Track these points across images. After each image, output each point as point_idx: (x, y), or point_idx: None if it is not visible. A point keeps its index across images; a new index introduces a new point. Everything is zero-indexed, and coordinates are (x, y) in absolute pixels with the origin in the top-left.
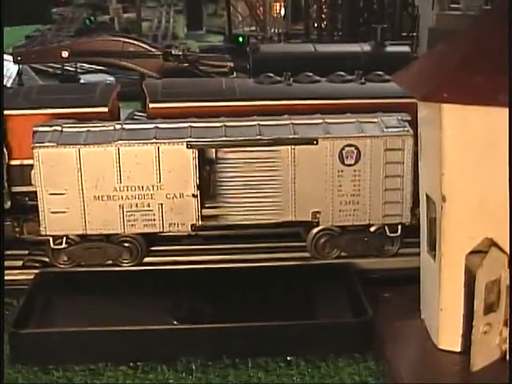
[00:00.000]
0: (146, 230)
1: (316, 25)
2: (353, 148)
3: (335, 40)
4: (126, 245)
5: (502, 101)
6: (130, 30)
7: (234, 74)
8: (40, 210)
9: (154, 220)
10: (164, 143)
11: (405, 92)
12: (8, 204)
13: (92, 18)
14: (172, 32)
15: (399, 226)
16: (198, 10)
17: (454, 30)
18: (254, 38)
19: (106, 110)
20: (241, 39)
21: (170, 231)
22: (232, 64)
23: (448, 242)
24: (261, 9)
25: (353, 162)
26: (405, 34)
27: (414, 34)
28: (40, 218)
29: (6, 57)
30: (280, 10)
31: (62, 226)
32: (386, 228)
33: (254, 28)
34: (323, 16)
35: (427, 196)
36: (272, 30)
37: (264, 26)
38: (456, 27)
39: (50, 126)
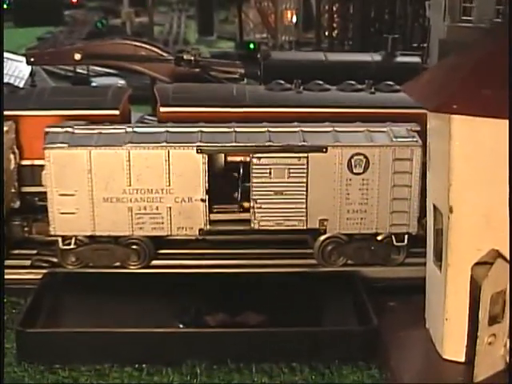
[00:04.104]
0: (154, 233)
1: (327, 33)
2: (361, 157)
3: (346, 49)
4: (134, 247)
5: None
6: (141, 34)
7: (245, 80)
8: (49, 210)
9: (163, 223)
10: (174, 147)
11: (414, 102)
12: (17, 204)
13: (104, 21)
14: (183, 37)
15: (406, 236)
16: (210, 15)
17: (465, 42)
18: (265, 45)
19: (117, 112)
20: (252, 46)
21: (177, 235)
22: (243, 70)
23: (454, 253)
24: (272, 16)
25: (361, 170)
26: (415, 44)
27: (425, 44)
28: (49, 218)
29: (18, 58)
30: (291, 18)
31: (71, 227)
32: (393, 237)
33: (265, 35)
34: (334, 25)
35: (434, 206)
36: (283, 38)
37: (275, 33)
38: (467, 39)
39: (62, 128)
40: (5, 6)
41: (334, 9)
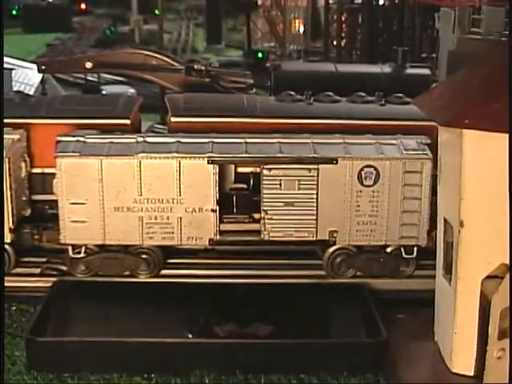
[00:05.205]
0: (164, 243)
1: (335, 43)
2: (372, 169)
3: (354, 58)
4: (144, 256)
5: None
6: (150, 41)
7: (253, 89)
8: (60, 218)
9: (173, 233)
10: (185, 158)
11: (424, 115)
12: (28, 212)
13: (112, 28)
14: (191, 45)
15: (415, 248)
16: (218, 24)
17: (474, 54)
18: (273, 55)
19: (128, 122)
20: (260, 55)
21: (187, 245)
22: (251, 80)
23: (464, 267)
24: (280, 25)
25: (371, 182)
26: (424, 55)
27: (434, 55)
28: (60, 226)
29: (28, 65)
30: (299, 27)
31: (82, 236)
32: (402, 249)
33: (272, 44)
34: (342, 34)
35: (445, 220)
36: (291, 47)
37: (283, 42)
38: (476, 51)
39: (74, 136)
40: (14, 13)
41: (343, 18)
